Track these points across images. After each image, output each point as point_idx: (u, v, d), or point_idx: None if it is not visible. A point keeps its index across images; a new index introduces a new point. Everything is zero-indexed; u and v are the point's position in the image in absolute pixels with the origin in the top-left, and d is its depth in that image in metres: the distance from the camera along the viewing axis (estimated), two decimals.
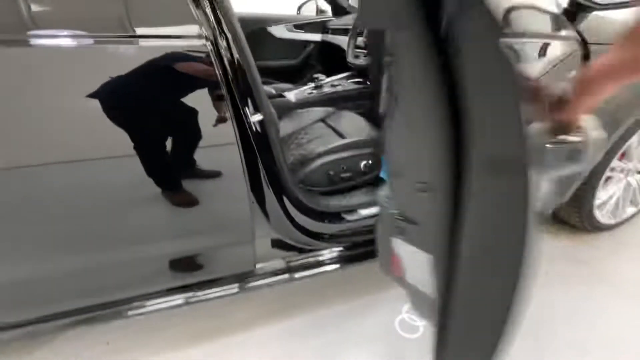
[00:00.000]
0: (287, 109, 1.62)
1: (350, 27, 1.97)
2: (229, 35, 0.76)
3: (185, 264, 0.88)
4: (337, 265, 1.11)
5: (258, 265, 0.98)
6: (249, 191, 0.85)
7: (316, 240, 1.05)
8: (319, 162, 1.15)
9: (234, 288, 0.95)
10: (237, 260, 0.95)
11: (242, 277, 0.97)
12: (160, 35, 0.69)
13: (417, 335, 1.08)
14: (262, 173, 0.87)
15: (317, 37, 2.36)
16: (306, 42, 2.37)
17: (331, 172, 1.16)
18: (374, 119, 1.79)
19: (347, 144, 1.19)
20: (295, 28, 2.32)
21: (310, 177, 1.15)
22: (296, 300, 1.24)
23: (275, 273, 1.01)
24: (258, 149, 0.84)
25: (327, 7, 2.36)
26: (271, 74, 2.35)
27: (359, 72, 1.86)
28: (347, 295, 1.26)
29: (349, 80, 1.79)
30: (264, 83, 2.25)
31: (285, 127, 1.54)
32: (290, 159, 1.21)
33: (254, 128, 0.83)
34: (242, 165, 0.81)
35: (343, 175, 1.18)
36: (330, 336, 1.09)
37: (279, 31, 2.29)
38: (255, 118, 0.83)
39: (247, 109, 0.82)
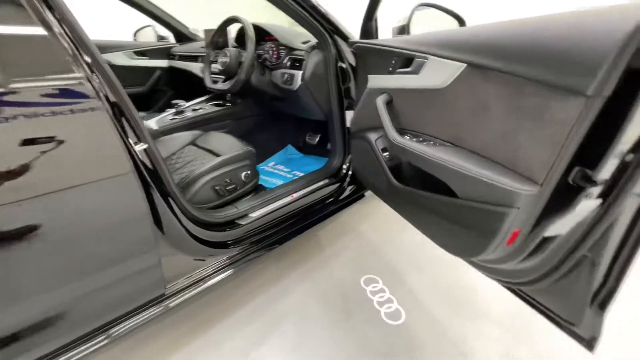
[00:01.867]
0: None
1: (198, 53, 2.10)
2: (100, 74, 0.80)
3: (93, 304, 0.84)
4: (246, 262, 1.25)
5: (168, 286, 1.01)
6: (150, 216, 0.90)
7: (223, 248, 1.16)
8: (203, 180, 1.26)
9: (151, 315, 0.96)
10: (147, 286, 0.96)
11: (156, 301, 0.98)
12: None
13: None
14: (158, 198, 0.93)
15: (163, 63, 2.35)
16: (152, 69, 2.32)
17: (217, 187, 1.28)
18: (242, 134, 1.99)
19: (225, 160, 1.33)
20: (137, 55, 2.25)
21: (199, 195, 1.24)
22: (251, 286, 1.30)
23: (189, 288, 1.06)
24: (149, 175, 0.90)
25: (167, 33, 2.38)
26: None
27: (217, 94, 2.01)
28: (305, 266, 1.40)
29: (209, 104, 1.91)
30: None
31: None
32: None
33: (140, 157, 0.89)
34: (142, 194, 0.85)
35: (229, 187, 1.31)
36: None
37: (118, 58, 2.17)
38: (140, 147, 0.89)
39: (130, 139, 0.87)
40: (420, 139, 0.99)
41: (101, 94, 0.78)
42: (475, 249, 0.82)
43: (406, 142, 0.97)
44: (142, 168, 0.88)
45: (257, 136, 2.09)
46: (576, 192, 0.65)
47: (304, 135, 2.16)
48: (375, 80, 1.16)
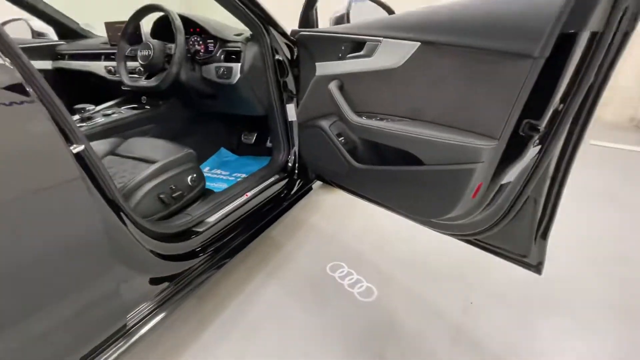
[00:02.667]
0: None
1: (98, 50, 1.79)
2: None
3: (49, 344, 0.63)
4: (217, 270, 1.12)
5: (129, 315, 0.84)
6: (98, 232, 0.73)
7: (184, 260, 1.02)
8: (145, 188, 1.08)
9: (117, 348, 0.77)
10: (103, 319, 0.77)
11: (117, 336, 0.80)
12: None
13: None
14: (104, 210, 0.76)
15: (46, 64, 1.93)
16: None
17: (162, 195, 1.12)
18: (172, 137, 1.77)
19: (166, 165, 1.17)
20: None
21: (142, 206, 1.06)
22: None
23: (154, 312, 0.90)
24: (91, 182, 0.74)
25: (44, 28, 1.96)
26: None
27: (130, 97, 1.75)
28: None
29: (124, 107, 1.65)
30: None
31: None
32: None
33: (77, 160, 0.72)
34: (85, 204, 0.69)
35: (175, 194, 1.16)
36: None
37: None
38: (77, 149, 0.72)
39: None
40: (378, 117, 1.06)
41: (29, 89, 0.62)
42: (444, 208, 0.92)
43: (369, 122, 1.02)
44: (81, 173, 0.72)
45: (185, 141, 1.88)
46: (525, 141, 0.79)
47: (237, 136, 2.05)
48: (324, 68, 1.18)
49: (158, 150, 1.30)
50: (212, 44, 1.46)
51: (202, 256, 1.10)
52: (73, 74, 1.88)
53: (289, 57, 1.44)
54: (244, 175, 1.79)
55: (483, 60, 0.75)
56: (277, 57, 1.43)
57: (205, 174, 1.82)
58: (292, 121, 1.55)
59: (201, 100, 1.65)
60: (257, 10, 1.31)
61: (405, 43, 0.89)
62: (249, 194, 1.37)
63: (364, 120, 1.03)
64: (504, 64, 0.72)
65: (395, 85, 0.97)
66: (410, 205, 1.06)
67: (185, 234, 1.08)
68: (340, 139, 1.22)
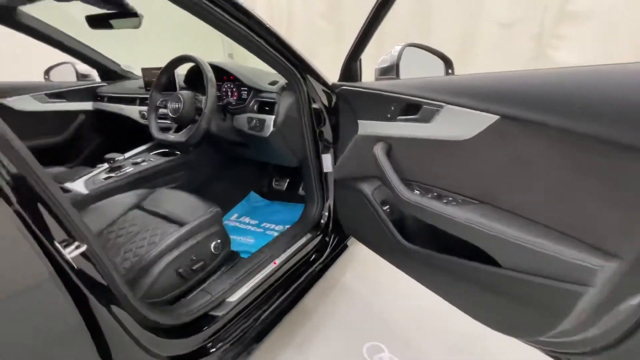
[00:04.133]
0: (78, 206, 1.24)
1: (134, 94, 1.78)
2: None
3: None
4: None
5: None
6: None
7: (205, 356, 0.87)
8: (162, 262, 0.96)
9: None
10: None
11: None
12: None
13: None
14: (103, 317, 0.64)
15: (87, 105, 1.96)
16: (73, 113, 1.91)
17: (181, 270, 0.99)
18: (197, 187, 1.69)
19: (188, 232, 1.05)
20: (50, 97, 1.83)
21: (158, 285, 0.94)
22: None
23: None
24: (88, 289, 0.62)
25: (89, 70, 2.00)
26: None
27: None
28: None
29: (153, 153, 1.59)
30: None
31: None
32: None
33: (73, 265, 0.60)
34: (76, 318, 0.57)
35: (195, 266, 1.03)
36: None
37: (24, 103, 1.73)
38: (74, 251, 0.60)
39: (56, 243, 0.59)
40: (435, 193, 0.86)
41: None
42: (534, 329, 0.69)
43: (424, 200, 0.83)
44: (76, 281, 0.60)
45: (215, 186, 1.81)
46: None
47: (267, 180, 1.93)
48: (369, 127, 1.02)
49: (183, 208, 1.19)
50: (246, 92, 1.37)
51: (222, 348, 0.94)
52: (111, 116, 1.88)
53: (327, 104, 1.30)
54: (273, 227, 1.65)
55: (599, 152, 0.55)
56: (313, 105, 1.30)
57: (232, 224, 1.75)
58: (327, 172, 1.40)
59: (232, 147, 1.56)
60: (293, 59, 1.19)
61: (477, 113, 0.71)
62: (278, 261, 1.21)
63: (417, 198, 0.85)
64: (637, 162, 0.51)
65: (461, 160, 0.78)
66: (482, 313, 0.84)
67: (199, 322, 0.93)
68: (384, 208, 1.04)
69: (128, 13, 1.46)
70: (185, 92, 1.24)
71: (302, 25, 3.26)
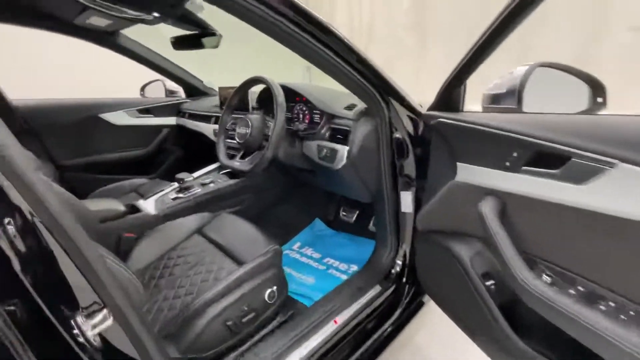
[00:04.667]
0: (147, 227, 1.23)
1: (210, 113, 1.79)
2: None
3: None
4: None
5: None
6: None
7: None
8: (211, 312, 0.85)
9: None
10: None
11: None
12: None
13: None
14: None
15: (171, 120, 2.05)
16: (158, 127, 2.02)
17: (230, 322, 0.87)
18: (261, 210, 1.61)
19: (242, 277, 0.93)
20: (140, 113, 1.96)
21: (203, 338, 0.83)
22: None
23: None
24: None
25: (177, 87, 2.11)
26: (115, 168, 1.88)
27: None
28: None
29: (222, 173, 1.56)
30: (108, 181, 1.78)
31: (148, 250, 1.16)
32: (162, 314, 0.87)
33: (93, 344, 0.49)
34: None
35: (246, 318, 0.90)
36: None
37: (118, 118, 1.87)
38: (100, 324, 0.49)
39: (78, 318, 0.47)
40: (581, 288, 0.58)
41: None
42: None
43: (562, 298, 0.56)
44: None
45: (279, 210, 1.71)
46: None
47: (335, 208, 1.77)
48: (473, 173, 0.77)
49: (242, 241, 1.10)
50: (318, 116, 1.22)
51: None
52: (190, 132, 1.94)
53: (412, 133, 1.08)
54: (337, 264, 1.47)
55: None
56: (395, 134, 1.09)
57: (293, 255, 1.58)
58: (405, 212, 1.17)
59: (299, 172, 1.43)
60: (375, 80, 1.00)
61: None
62: (340, 319, 1.02)
63: (550, 291, 0.57)
64: None
65: (637, 249, 0.50)
66: None
67: None
68: (488, 283, 0.78)
69: (208, 33, 1.46)
70: (254, 117, 1.14)
71: (382, 38, 3.07)
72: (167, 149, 2.09)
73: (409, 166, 1.12)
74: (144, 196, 1.62)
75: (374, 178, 1.15)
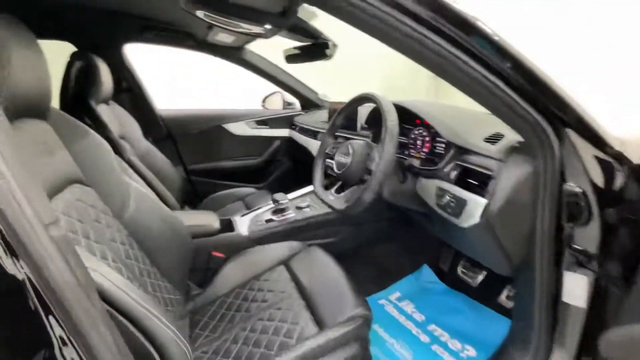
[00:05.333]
0: (236, 248, 1.17)
1: (318, 128, 1.67)
2: None
3: None
4: None
5: None
6: None
7: None
8: None
9: None
10: None
11: None
12: None
13: None
14: None
15: (284, 132, 2.05)
16: (271, 138, 2.05)
17: None
18: (357, 246, 1.39)
19: (318, 349, 0.73)
20: (258, 124, 2.02)
21: None
22: None
23: None
24: None
25: (294, 100, 2.09)
26: (230, 175, 1.98)
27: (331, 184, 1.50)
28: None
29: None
30: (223, 186, 1.89)
31: (233, 274, 1.09)
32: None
33: None
34: None
35: None
36: None
37: (238, 128, 1.97)
38: None
39: None
40: None
41: None
42: None
43: None
44: None
45: (379, 248, 1.45)
46: None
47: (451, 258, 1.38)
48: None
49: (327, 293, 0.91)
50: (443, 148, 0.91)
51: None
52: (298, 145, 1.88)
53: (600, 184, 0.68)
54: (446, 338, 1.11)
55: None
56: (568, 185, 0.69)
57: (389, 308, 1.28)
58: (570, 305, 0.75)
59: (409, 210, 1.13)
60: (543, 100, 0.64)
61: None
62: None
63: None
64: None
65: None
66: None
67: None
68: None
69: (321, 43, 1.32)
70: (357, 144, 0.92)
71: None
72: (278, 160, 2.10)
73: (589, 237, 0.71)
74: (247, 206, 1.64)
75: (521, 245, 0.77)
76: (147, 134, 1.71)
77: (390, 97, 0.97)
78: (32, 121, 0.67)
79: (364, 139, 0.97)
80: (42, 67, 0.66)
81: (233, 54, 1.67)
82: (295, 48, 1.30)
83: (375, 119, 1.15)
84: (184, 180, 1.81)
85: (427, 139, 0.98)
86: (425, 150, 0.98)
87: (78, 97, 1.17)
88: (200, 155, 1.91)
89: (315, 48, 1.23)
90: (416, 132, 1.02)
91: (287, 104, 2.13)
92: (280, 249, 1.15)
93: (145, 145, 1.55)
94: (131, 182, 0.90)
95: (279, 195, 1.30)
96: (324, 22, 1.16)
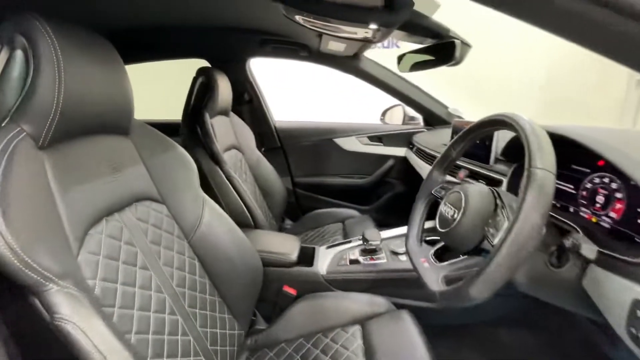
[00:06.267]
0: (310, 288, 1.01)
1: (435, 152, 1.32)
2: None
3: None
4: None
5: None
6: None
7: None
8: None
9: None
10: None
11: None
12: None
13: None
14: None
15: (400, 151, 1.78)
16: (385, 157, 1.81)
17: None
18: (450, 325, 1.00)
19: None
20: (371, 140, 1.81)
21: None
22: None
23: None
24: None
25: (417, 114, 1.79)
26: (336, 192, 1.85)
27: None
28: None
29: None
30: (327, 203, 1.78)
31: (301, 319, 0.93)
32: None
33: None
34: None
35: None
36: None
37: (349, 143, 1.82)
38: None
39: None
40: None
41: None
42: None
43: None
44: None
45: (502, 332, 1.00)
46: None
47: None
48: None
49: None
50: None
51: None
52: (413, 169, 1.58)
53: None
54: None
55: None
56: None
57: None
58: None
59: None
60: None
61: None
62: None
63: None
64: None
65: None
66: None
67: None
68: None
69: (447, 44, 1.00)
70: (474, 192, 0.59)
71: None
72: (389, 182, 1.85)
73: None
74: (345, 231, 1.47)
75: None
76: (260, 143, 1.77)
77: (548, 121, 0.60)
78: (108, 137, 0.67)
79: (495, 179, 0.63)
80: (121, 85, 0.66)
81: (348, 63, 1.52)
82: (412, 52, 1.04)
83: (518, 150, 0.77)
84: (289, 192, 1.80)
85: (618, 196, 0.55)
86: (612, 215, 0.56)
87: (196, 109, 1.25)
88: (307, 168, 1.86)
89: (440, 50, 0.93)
90: (596, 180, 0.60)
91: (409, 119, 1.85)
92: (359, 303, 0.92)
93: (257, 155, 1.58)
94: (208, 200, 0.85)
95: (370, 234, 1.06)
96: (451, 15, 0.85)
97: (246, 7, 1.14)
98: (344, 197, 1.86)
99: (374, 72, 1.56)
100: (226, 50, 1.50)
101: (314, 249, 1.16)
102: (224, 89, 1.32)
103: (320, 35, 1.17)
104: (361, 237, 1.10)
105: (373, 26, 0.84)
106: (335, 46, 1.28)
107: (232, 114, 1.50)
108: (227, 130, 1.41)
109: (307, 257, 1.11)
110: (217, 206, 0.87)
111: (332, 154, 1.83)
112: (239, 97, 1.65)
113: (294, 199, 1.87)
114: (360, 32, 0.92)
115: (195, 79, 1.29)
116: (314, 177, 1.86)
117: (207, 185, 1.20)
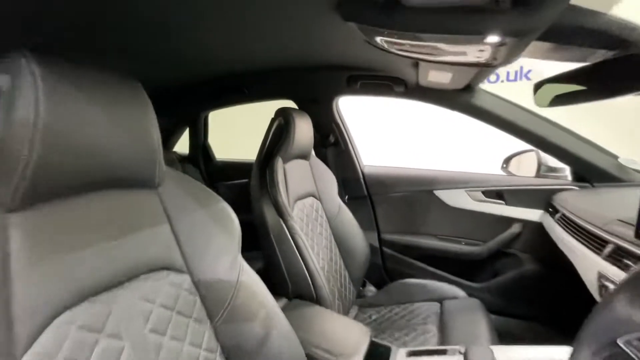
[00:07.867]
0: None
1: (604, 232, 0.82)
2: None
3: None
4: None
5: None
6: None
7: None
8: None
9: None
10: None
11: None
12: None
13: None
14: None
15: (532, 214, 1.28)
16: (509, 220, 1.33)
17: None
18: None
19: None
20: (486, 195, 1.37)
21: None
22: None
23: None
24: None
25: (560, 164, 1.27)
26: (434, 259, 1.45)
27: None
28: None
29: None
30: (421, 272, 1.40)
31: None
32: None
33: None
34: None
35: None
36: None
37: (456, 198, 1.42)
38: None
39: None
40: None
41: None
42: None
43: None
44: None
45: None
46: None
47: None
48: None
49: None
50: None
51: None
52: (556, 245, 1.07)
53: None
54: None
55: None
56: None
57: None
58: None
59: None
60: None
61: None
62: None
63: None
64: None
65: None
66: None
67: None
68: None
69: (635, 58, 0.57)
70: None
71: None
72: (511, 254, 1.34)
73: None
74: (442, 318, 1.08)
75: None
76: (344, 191, 1.56)
77: None
78: (124, 192, 0.55)
79: None
80: (144, 131, 0.54)
81: (456, 98, 1.19)
82: (555, 79, 0.66)
83: None
84: (373, 250, 1.50)
85: None
86: None
87: (269, 153, 1.14)
88: (399, 224, 1.53)
89: (615, 69, 0.54)
90: None
91: (546, 170, 1.34)
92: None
93: (338, 204, 1.37)
94: (246, 268, 0.66)
95: (479, 354, 0.67)
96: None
97: (330, 42, 0.99)
98: (444, 267, 1.44)
99: (495, 109, 1.17)
100: (311, 89, 1.40)
101: (389, 350, 0.82)
102: (303, 131, 1.18)
103: (416, 63, 0.91)
104: (463, 352, 0.72)
105: (493, 38, 0.53)
106: (437, 77, 0.99)
107: (314, 157, 1.35)
108: (304, 175, 1.26)
109: (376, 356, 0.78)
110: (255, 277, 0.67)
111: (431, 210, 1.46)
112: (324, 139, 1.51)
113: (380, 260, 1.55)
114: (471, 53, 0.62)
115: (273, 120, 1.19)
116: (406, 236, 1.51)
117: (268, 241, 1.04)
